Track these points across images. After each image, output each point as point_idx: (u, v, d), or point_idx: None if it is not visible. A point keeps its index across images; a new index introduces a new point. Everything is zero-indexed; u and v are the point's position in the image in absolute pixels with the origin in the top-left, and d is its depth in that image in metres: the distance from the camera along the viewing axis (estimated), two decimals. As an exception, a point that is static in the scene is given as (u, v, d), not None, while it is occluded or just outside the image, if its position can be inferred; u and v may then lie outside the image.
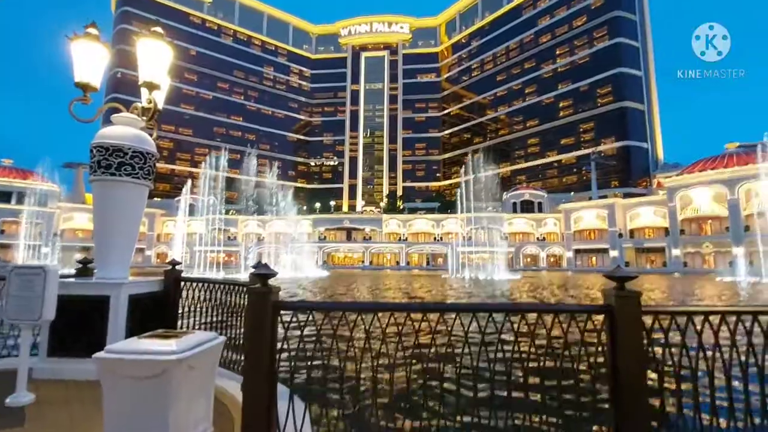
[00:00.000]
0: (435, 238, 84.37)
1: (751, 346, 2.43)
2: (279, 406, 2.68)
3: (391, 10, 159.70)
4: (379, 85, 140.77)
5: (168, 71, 5.57)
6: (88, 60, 5.08)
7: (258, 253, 68.47)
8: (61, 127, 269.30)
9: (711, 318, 2.53)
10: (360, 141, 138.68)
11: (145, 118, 5.38)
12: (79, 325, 4.58)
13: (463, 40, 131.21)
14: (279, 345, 2.68)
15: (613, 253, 68.54)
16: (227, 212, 79.61)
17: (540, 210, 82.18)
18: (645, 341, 2.46)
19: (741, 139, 59.13)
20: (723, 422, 2.41)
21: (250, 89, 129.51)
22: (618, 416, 2.39)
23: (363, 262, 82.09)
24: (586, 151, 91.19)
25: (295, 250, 60.06)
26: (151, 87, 5.18)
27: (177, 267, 5.55)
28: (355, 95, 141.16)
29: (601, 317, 2.60)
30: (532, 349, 2.65)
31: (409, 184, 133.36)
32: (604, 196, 77.94)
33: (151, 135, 5.47)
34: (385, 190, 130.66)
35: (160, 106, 5.52)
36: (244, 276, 37.44)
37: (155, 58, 5.19)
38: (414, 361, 2.83)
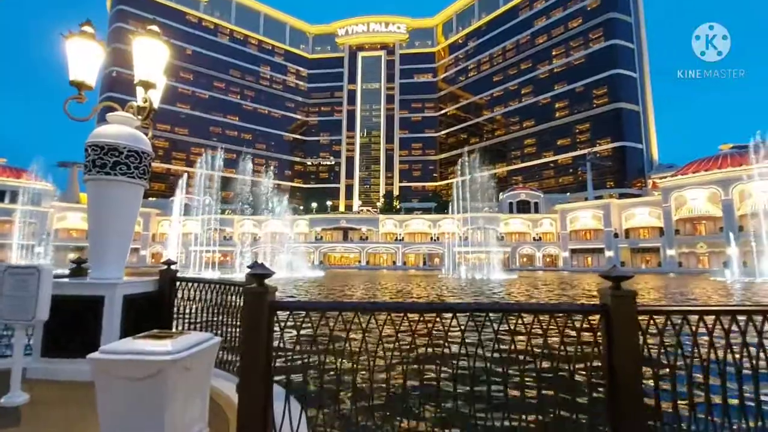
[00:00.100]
0: (431, 238, 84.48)
1: (746, 345, 2.44)
2: (275, 406, 2.67)
3: (388, 10, 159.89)
4: (375, 85, 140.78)
5: (164, 70, 5.54)
6: (83, 58, 5.04)
7: (254, 252, 68.27)
8: (55, 126, 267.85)
9: (706, 318, 2.54)
10: (357, 141, 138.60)
11: (140, 117, 5.35)
12: (73, 325, 4.55)
13: (460, 41, 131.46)
14: (275, 344, 2.67)
15: (609, 253, 68.88)
16: (223, 212, 79.38)
17: (536, 210, 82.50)
18: (641, 340, 2.47)
19: (736, 140, 59.58)
20: (718, 419, 2.42)
21: (247, 89, 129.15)
22: (615, 416, 2.40)
23: (359, 262, 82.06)
24: (582, 152, 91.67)
25: (290, 250, 59.93)
26: (147, 86, 5.15)
27: (172, 267, 5.52)
28: (351, 95, 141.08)
29: (597, 317, 2.61)
30: (529, 348, 2.65)
31: (405, 184, 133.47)
32: (600, 197, 78.34)
33: (146, 134, 5.44)
34: (382, 190, 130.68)
35: (156, 105, 5.49)
36: (238, 276, 37.34)
37: (151, 57, 5.16)
38: (411, 360, 2.83)
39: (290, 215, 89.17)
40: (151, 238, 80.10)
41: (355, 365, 2.81)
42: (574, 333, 2.62)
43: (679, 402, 2.51)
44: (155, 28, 5.20)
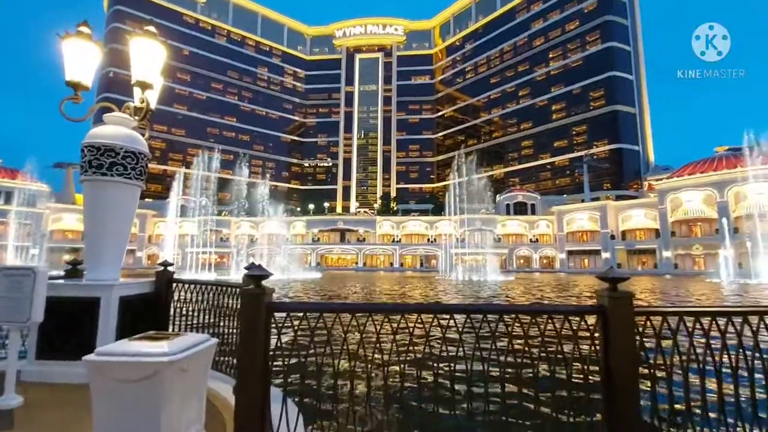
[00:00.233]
0: (428, 240, 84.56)
1: (741, 346, 2.46)
2: (272, 408, 2.66)
3: (386, 12, 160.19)
4: (373, 87, 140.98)
5: (161, 71, 5.53)
6: (80, 59, 5.03)
7: (250, 254, 68.12)
8: (51, 127, 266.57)
9: (702, 319, 2.55)
10: (354, 142, 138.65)
11: (137, 117, 5.33)
12: (68, 327, 4.52)
13: (457, 43, 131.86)
14: (273, 345, 2.66)
15: (605, 255, 69.12)
16: (220, 213, 79.20)
17: (533, 212, 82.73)
18: (637, 341, 2.48)
19: (732, 141, 59.91)
20: (714, 415, 2.43)
21: (244, 90, 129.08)
22: (612, 417, 2.40)
23: (356, 263, 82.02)
24: (579, 154, 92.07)
25: (286, 252, 59.80)
26: (144, 86, 5.14)
27: (169, 268, 5.49)
28: (349, 97, 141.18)
29: (594, 318, 2.61)
30: (526, 348, 2.66)
31: (402, 185, 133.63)
32: (597, 199, 78.63)
33: (143, 135, 5.42)
34: (379, 192, 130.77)
35: (153, 105, 5.47)
36: (234, 277, 37.23)
37: (148, 58, 5.14)
38: (408, 361, 2.83)
39: (287, 216, 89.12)
40: (147, 239, 79.81)
41: (352, 366, 2.80)
42: (572, 333, 2.62)
43: (676, 405, 2.51)
44: (152, 28, 5.19)
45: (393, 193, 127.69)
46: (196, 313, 5.10)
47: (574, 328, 2.63)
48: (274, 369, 2.69)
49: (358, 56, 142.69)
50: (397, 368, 2.95)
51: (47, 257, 60.47)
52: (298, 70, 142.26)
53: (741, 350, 2.47)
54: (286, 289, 26.54)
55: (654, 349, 2.56)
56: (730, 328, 2.52)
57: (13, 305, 3.68)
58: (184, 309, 5.24)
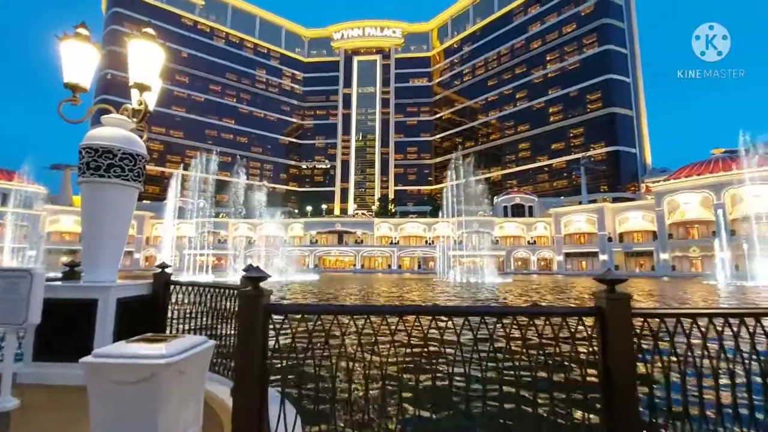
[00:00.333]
0: (426, 242, 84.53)
1: (738, 349, 2.47)
2: (270, 410, 2.66)
3: (384, 15, 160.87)
4: (371, 89, 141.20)
5: (159, 73, 5.52)
6: (78, 61, 5.02)
7: (248, 256, 67.96)
8: (48, 129, 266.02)
9: (699, 320, 2.56)
10: (352, 144, 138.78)
11: (135, 119, 5.32)
12: (65, 329, 4.50)
13: (455, 45, 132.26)
14: (270, 347, 2.66)
15: (603, 257, 69.23)
16: (218, 215, 79.06)
17: (531, 214, 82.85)
18: (635, 343, 2.48)
19: (728, 143, 60.29)
20: (712, 414, 2.44)
21: (243, 92, 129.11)
22: (611, 418, 2.40)
23: (354, 265, 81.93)
24: (576, 156, 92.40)
25: (284, 254, 59.69)
26: (142, 88, 5.13)
27: (166, 270, 5.48)
28: (347, 99, 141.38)
29: (592, 320, 2.62)
30: (523, 349, 2.66)
31: (400, 187, 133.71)
32: (594, 201, 78.88)
33: (141, 137, 5.41)
34: (377, 194, 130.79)
35: (151, 107, 5.47)
36: (231, 279, 37.12)
37: (146, 60, 5.14)
38: (406, 362, 2.83)
39: (285, 218, 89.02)
40: (144, 241, 79.57)
41: (350, 367, 2.80)
42: (569, 336, 2.63)
43: (673, 407, 2.52)
44: (150, 30, 5.19)
45: (391, 195, 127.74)
46: (193, 315, 5.08)
47: (572, 330, 2.64)
48: (271, 371, 2.69)
49: (356, 58, 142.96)
50: (395, 368, 2.94)
51: (44, 259, 60.19)
52: (296, 72, 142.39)
53: (738, 352, 2.48)
54: (283, 290, 26.49)
55: (651, 350, 2.56)
56: (727, 330, 2.53)
57: (10, 307, 3.67)
58: (181, 311, 5.23)
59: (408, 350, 2.76)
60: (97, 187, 4.92)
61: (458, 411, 4.23)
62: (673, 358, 2.53)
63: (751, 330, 2.49)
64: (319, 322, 2.80)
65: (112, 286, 4.71)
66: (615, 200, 78.83)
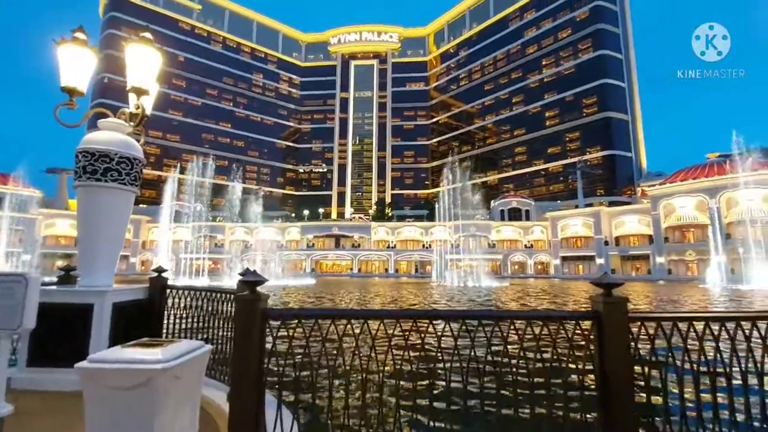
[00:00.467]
0: (423, 246, 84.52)
1: (735, 352, 2.48)
2: (267, 415, 2.65)
3: (381, 19, 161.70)
4: (368, 93, 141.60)
5: (156, 77, 5.53)
6: (75, 64, 5.02)
7: (245, 260, 67.76)
8: (44, 132, 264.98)
9: (696, 324, 2.57)
10: (349, 148, 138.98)
11: (132, 123, 5.32)
12: (61, 333, 4.47)
13: (452, 50, 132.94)
14: (267, 352, 2.65)
15: (599, 261, 69.43)
16: (214, 219, 78.85)
17: (527, 218, 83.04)
18: (632, 347, 2.49)
19: (722, 147, 60.64)
20: (708, 416, 2.44)
21: (240, 96, 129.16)
22: (607, 422, 2.41)
23: (351, 269, 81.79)
24: (572, 160, 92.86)
25: (280, 258, 59.56)
26: (140, 92, 5.13)
27: (163, 274, 5.46)
28: (344, 103, 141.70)
29: (589, 324, 2.62)
30: (521, 353, 2.66)
31: (397, 191, 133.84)
32: (590, 205, 79.14)
33: (138, 141, 5.41)
34: (374, 198, 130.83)
35: (148, 111, 5.47)
36: (227, 283, 36.99)
37: (144, 64, 5.14)
38: (404, 365, 2.82)
39: (282, 222, 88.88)
40: (141, 245, 79.21)
41: (347, 372, 2.79)
42: (566, 340, 2.63)
43: (670, 410, 2.52)
44: (148, 35, 5.19)
45: (388, 199, 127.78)
46: (190, 320, 5.06)
47: (569, 334, 2.64)
48: (268, 376, 2.68)
49: (353, 63, 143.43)
50: (392, 371, 2.94)
51: (39, 263, 59.77)
52: (294, 76, 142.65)
53: (734, 354, 2.49)
54: (279, 294, 26.41)
55: (647, 355, 2.57)
56: (724, 334, 2.54)
57: (4, 312, 3.63)
58: (178, 315, 5.20)
59: (405, 353, 2.75)
60: (94, 191, 4.91)
61: (457, 417, 4.23)
62: (670, 360, 2.53)
63: (747, 333, 2.51)
64: (317, 328, 2.80)
65: (108, 290, 4.68)
66: (611, 204, 79.16)
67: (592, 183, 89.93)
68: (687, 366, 2.52)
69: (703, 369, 2.52)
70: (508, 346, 2.61)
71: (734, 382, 2.47)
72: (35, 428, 3.45)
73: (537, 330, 2.70)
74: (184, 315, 5.15)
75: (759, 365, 2.47)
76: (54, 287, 4.82)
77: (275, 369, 2.72)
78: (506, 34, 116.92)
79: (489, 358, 2.61)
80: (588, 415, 2.67)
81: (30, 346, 4.46)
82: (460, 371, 2.69)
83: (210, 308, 4.85)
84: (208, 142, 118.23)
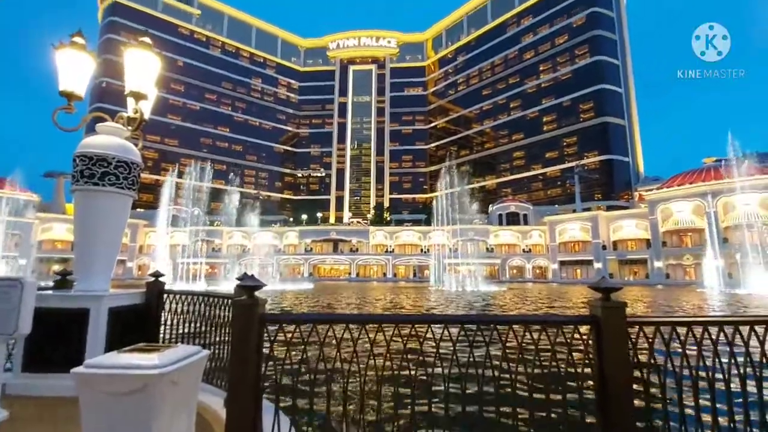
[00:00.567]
0: (422, 250, 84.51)
1: (733, 356, 2.48)
2: (264, 420, 2.63)
3: (379, 25, 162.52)
4: (366, 98, 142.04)
5: (155, 82, 5.53)
6: (73, 69, 5.02)
7: (243, 264, 67.59)
8: (41, 136, 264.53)
9: (695, 328, 2.57)
10: (347, 153, 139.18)
11: (130, 127, 5.32)
12: (56, 339, 4.44)
13: (450, 55, 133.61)
14: (265, 356, 2.64)
15: (597, 265, 69.50)
16: (212, 223, 78.69)
17: (525, 222, 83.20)
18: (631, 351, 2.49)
19: (719, 152, 60.81)
20: (707, 419, 2.44)
21: (238, 100, 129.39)
22: (606, 425, 2.40)
23: (349, 274, 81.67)
24: (570, 165, 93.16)
25: (278, 262, 59.44)
26: (138, 97, 5.14)
27: (160, 279, 5.43)
28: (342, 107, 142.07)
29: (587, 328, 2.62)
30: (520, 355, 2.65)
31: (396, 196, 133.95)
32: (588, 209, 79.30)
33: (136, 145, 5.41)
34: (372, 202, 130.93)
35: (147, 116, 5.46)
36: (224, 287, 36.87)
37: (142, 68, 5.15)
38: (401, 372, 2.81)
39: (280, 227, 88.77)
40: (138, 249, 78.96)
41: (345, 378, 2.78)
42: (565, 345, 2.63)
43: (668, 413, 2.52)
44: (147, 39, 5.20)
45: (386, 204, 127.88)
46: (187, 325, 5.03)
47: (567, 339, 2.64)
48: (266, 380, 2.66)
49: (351, 68, 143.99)
50: (390, 374, 2.92)
51: (36, 267, 59.47)
52: (292, 81, 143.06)
53: (733, 359, 2.49)
54: (277, 299, 26.33)
55: (647, 358, 2.57)
56: (722, 338, 2.54)
57: (0, 317, 3.61)
58: (175, 320, 5.17)
59: (403, 356, 2.74)
60: (91, 195, 4.89)
61: (455, 422, 4.21)
62: (668, 364, 2.53)
63: (745, 338, 2.51)
64: (315, 333, 2.78)
65: (104, 295, 4.66)
66: (609, 208, 79.35)
67: (590, 187, 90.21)
68: (686, 371, 2.52)
69: (701, 373, 2.52)
70: (507, 351, 2.60)
71: (733, 386, 2.47)
72: (30, 434, 3.42)
73: (536, 335, 2.70)
74: (181, 320, 5.12)
75: (757, 370, 2.47)
76: (50, 292, 4.79)
77: (273, 374, 2.70)
78: (504, 39, 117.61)
79: (488, 362, 2.60)
80: (587, 420, 2.66)
81: (25, 351, 4.42)
82: (459, 376, 2.69)
83: (207, 313, 4.82)
84: (206, 147, 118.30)
